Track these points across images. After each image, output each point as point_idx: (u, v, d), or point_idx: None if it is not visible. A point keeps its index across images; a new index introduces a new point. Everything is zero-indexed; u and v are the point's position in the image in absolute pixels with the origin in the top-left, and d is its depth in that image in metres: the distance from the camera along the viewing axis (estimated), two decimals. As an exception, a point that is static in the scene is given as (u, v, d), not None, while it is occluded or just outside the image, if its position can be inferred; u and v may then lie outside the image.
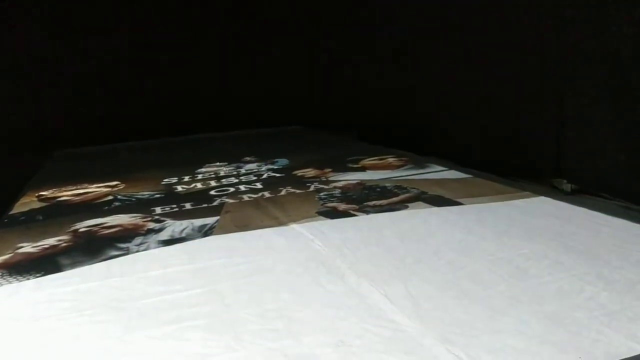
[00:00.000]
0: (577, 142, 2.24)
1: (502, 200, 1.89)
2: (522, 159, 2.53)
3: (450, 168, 2.41)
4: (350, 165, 2.62)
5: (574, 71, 2.23)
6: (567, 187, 2.18)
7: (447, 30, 2.99)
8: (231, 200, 2.14)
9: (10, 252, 1.69)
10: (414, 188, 2.11)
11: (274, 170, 2.66)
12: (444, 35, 3.01)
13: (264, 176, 2.55)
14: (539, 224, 1.63)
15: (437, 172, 2.39)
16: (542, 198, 1.89)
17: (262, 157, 2.94)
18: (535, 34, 2.41)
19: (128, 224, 1.91)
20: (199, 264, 1.47)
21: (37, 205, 2.31)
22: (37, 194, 2.45)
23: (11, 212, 2.20)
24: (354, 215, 1.85)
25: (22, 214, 2.18)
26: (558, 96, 2.32)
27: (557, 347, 0.97)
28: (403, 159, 2.66)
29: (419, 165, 2.53)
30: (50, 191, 2.50)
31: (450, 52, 2.97)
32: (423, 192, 2.04)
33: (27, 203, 2.33)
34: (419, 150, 2.82)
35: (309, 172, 2.54)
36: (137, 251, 1.64)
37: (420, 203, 1.93)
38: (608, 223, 1.61)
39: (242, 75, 4.12)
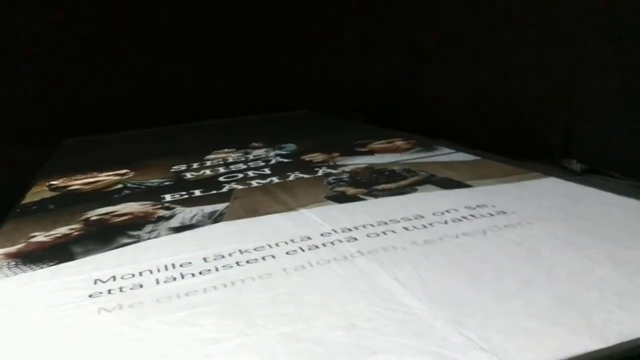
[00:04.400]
0: (587, 122, 2.23)
1: (512, 182, 1.88)
2: (531, 139, 2.52)
3: (459, 150, 2.40)
4: (358, 149, 2.62)
5: (583, 51, 2.21)
6: (577, 167, 2.17)
7: (455, 14, 2.96)
8: (240, 187, 2.15)
9: (23, 241, 1.71)
10: (423, 171, 2.11)
11: (281, 156, 2.66)
12: (452, 18, 2.99)
13: (272, 162, 2.56)
14: (549, 205, 1.62)
15: (446, 155, 2.38)
16: (552, 179, 1.88)
17: (270, 143, 2.94)
18: (546, 15, 2.38)
19: (138, 212, 1.92)
20: (209, 250, 1.49)
21: (49, 194, 2.33)
22: (47, 183, 2.47)
23: (23, 202, 2.22)
24: (363, 199, 1.85)
25: (34, 203, 2.20)
26: (567, 76, 2.30)
27: (569, 328, 0.97)
28: (411, 141, 2.65)
29: (428, 148, 2.52)
30: (61, 180, 2.52)
31: (459, 35, 2.94)
32: (432, 175, 2.04)
33: (39, 192, 2.35)
34: (427, 133, 2.81)
35: (317, 156, 2.54)
36: (149, 238, 1.66)
37: (429, 186, 1.92)
38: (619, 203, 1.60)
39: (248, 61, 4.11)
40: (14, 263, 1.54)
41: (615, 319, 0.99)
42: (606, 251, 1.27)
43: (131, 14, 3.88)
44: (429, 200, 1.76)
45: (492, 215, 1.57)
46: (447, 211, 1.63)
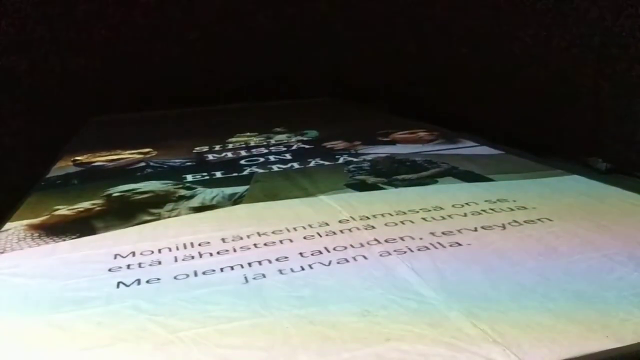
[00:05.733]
0: (614, 120, 2.19)
1: (534, 178, 1.86)
2: (556, 136, 2.49)
3: (482, 144, 2.38)
4: (380, 138, 2.61)
5: (610, 47, 2.17)
6: (601, 166, 2.14)
7: (483, 12, 2.92)
8: (261, 170, 2.16)
9: (47, 214, 1.75)
10: (444, 163, 2.09)
11: (303, 142, 2.66)
12: (480, 16, 2.95)
13: (294, 147, 2.56)
14: (570, 202, 1.60)
15: (468, 148, 2.36)
16: (575, 176, 1.85)
17: (292, 129, 2.94)
18: (575, 12, 2.34)
19: (160, 190, 1.95)
20: (228, 231, 1.50)
21: (73, 169, 2.37)
22: (72, 159, 2.51)
23: (48, 176, 2.26)
24: (383, 188, 1.85)
25: (59, 177, 2.24)
26: (594, 73, 2.26)
27: (584, 325, 0.97)
28: (434, 133, 2.63)
29: (450, 140, 2.50)
30: (85, 156, 2.55)
31: (486, 28, 2.91)
32: (453, 167, 2.03)
33: (63, 167, 2.39)
34: (450, 124, 2.78)
35: (339, 144, 2.54)
36: (169, 217, 1.68)
37: (450, 178, 1.91)
38: (643, 204, 1.57)
39: (273, 46, 4.11)
40: (37, 234, 1.58)
41: (632, 319, 0.98)
42: (627, 251, 1.25)
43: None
44: (449, 193, 1.75)
45: (512, 210, 1.56)
46: (467, 204, 1.62)
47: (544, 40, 2.51)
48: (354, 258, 1.29)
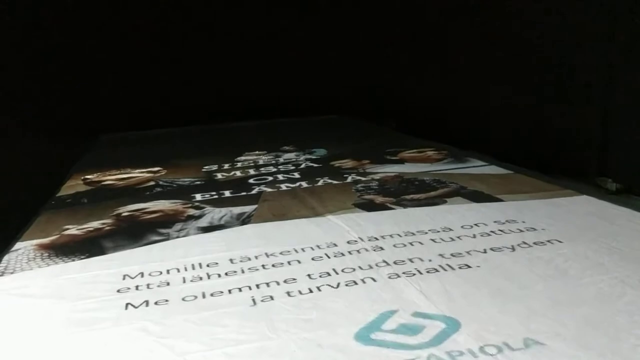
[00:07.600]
0: (623, 141, 2.18)
1: (543, 198, 1.85)
2: (566, 156, 2.48)
3: (491, 163, 2.37)
4: (389, 157, 2.61)
5: (620, 68, 2.17)
6: (611, 186, 2.13)
7: (489, 24, 2.94)
8: (269, 189, 2.16)
9: (56, 233, 1.76)
10: (453, 182, 2.09)
11: (311, 161, 2.67)
12: (486, 28, 2.96)
13: (302, 166, 2.57)
14: (580, 223, 1.59)
15: (477, 167, 2.35)
16: (585, 197, 1.84)
17: (301, 147, 2.96)
18: (582, 31, 2.34)
19: (169, 210, 1.96)
20: (236, 251, 1.50)
21: (83, 188, 2.38)
22: (82, 178, 2.53)
23: (58, 195, 2.28)
24: (391, 208, 1.85)
25: (69, 196, 2.26)
26: (604, 93, 2.25)
27: (595, 351, 0.96)
28: (443, 152, 2.63)
29: (459, 159, 2.50)
30: (95, 175, 2.57)
31: (494, 47, 2.92)
32: (462, 187, 2.02)
33: (73, 186, 2.41)
34: (459, 143, 2.78)
35: (347, 163, 2.54)
36: (177, 237, 1.68)
37: (459, 198, 1.91)
38: (654, 225, 1.56)
39: (283, 64, 4.13)
40: (47, 254, 1.58)
41: (644, 345, 0.97)
42: (638, 274, 1.24)
43: (168, 16, 3.95)
44: (458, 213, 1.74)
45: (521, 231, 1.55)
46: (475, 225, 1.61)
47: (554, 62, 2.52)
48: (363, 280, 1.28)
